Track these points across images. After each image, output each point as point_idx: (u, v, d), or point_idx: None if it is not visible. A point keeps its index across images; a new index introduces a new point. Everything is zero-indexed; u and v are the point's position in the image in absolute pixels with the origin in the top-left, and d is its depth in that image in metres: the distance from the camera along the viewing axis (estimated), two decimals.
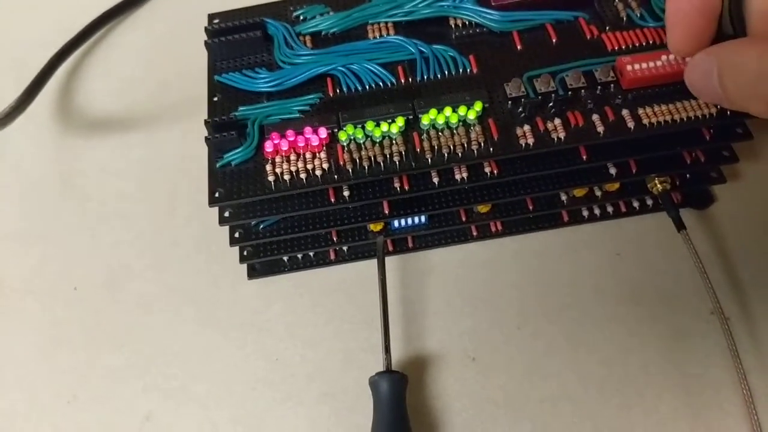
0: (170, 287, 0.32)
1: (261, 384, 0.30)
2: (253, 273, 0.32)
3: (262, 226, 0.30)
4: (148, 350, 0.31)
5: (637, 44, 0.29)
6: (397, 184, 0.28)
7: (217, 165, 0.27)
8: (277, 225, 0.30)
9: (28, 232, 0.35)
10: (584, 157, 0.28)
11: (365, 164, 0.27)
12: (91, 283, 0.33)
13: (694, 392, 0.29)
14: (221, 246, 0.31)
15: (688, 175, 0.31)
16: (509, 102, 0.28)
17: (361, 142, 0.27)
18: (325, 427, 0.29)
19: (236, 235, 0.30)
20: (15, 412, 0.30)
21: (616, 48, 0.29)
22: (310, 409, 0.29)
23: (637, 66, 0.28)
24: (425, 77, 0.29)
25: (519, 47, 0.30)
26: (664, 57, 0.28)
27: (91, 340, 0.31)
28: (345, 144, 0.27)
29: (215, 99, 0.30)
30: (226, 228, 0.30)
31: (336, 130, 0.27)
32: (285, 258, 0.32)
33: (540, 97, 0.28)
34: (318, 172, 0.27)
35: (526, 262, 0.32)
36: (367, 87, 0.29)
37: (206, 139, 0.27)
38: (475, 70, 0.29)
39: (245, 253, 0.31)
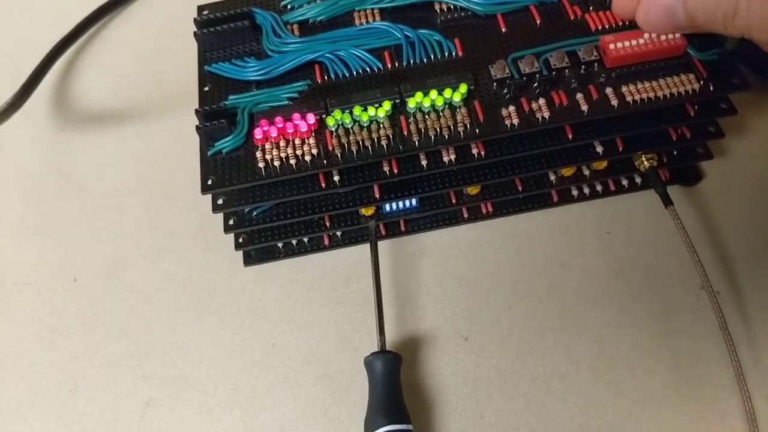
0: (168, 276, 0.33)
1: (258, 368, 0.30)
2: (248, 260, 0.33)
3: (255, 213, 0.30)
4: (147, 338, 0.31)
5: (620, 23, 0.29)
6: (386, 168, 0.28)
7: (209, 153, 0.28)
8: (270, 211, 0.30)
9: (27, 226, 0.35)
10: (570, 136, 0.28)
11: (354, 149, 0.27)
12: (90, 274, 0.33)
13: (684, 366, 0.29)
14: (217, 234, 0.31)
15: (675, 152, 0.32)
16: (494, 83, 0.28)
17: (349, 126, 0.28)
18: (321, 408, 0.29)
19: (230, 222, 0.30)
20: (18, 401, 0.30)
21: (600, 27, 0.29)
22: (307, 390, 0.30)
23: (619, 44, 0.28)
24: (411, 62, 0.29)
25: (503, 29, 0.30)
26: (646, 35, 0.28)
27: (91, 329, 0.32)
28: (333, 129, 0.28)
29: (206, 89, 0.30)
30: (222, 216, 0.31)
31: (324, 115, 0.28)
32: (280, 244, 0.32)
33: (524, 78, 0.28)
34: (307, 158, 0.27)
35: (517, 242, 0.33)
36: (355, 73, 0.29)
37: (197, 128, 0.28)
38: (460, 54, 0.29)
39: (240, 240, 0.32)
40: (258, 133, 0.27)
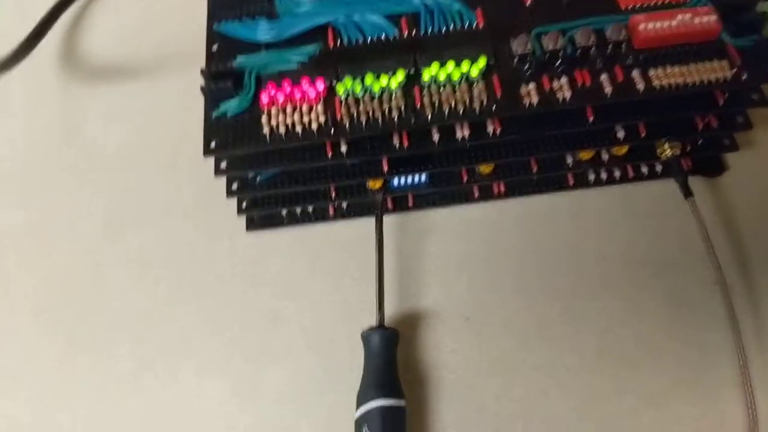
0: (169, 237, 0.32)
1: (256, 335, 0.30)
2: (251, 225, 0.32)
3: (259, 179, 0.29)
4: (144, 301, 0.31)
5: (652, 3, 0.28)
6: (396, 141, 0.27)
7: (213, 115, 0.27)
8: (274, 178, 0.29)
9: (30, 180, 0.35)
10: (590, 119, 0.27)
11: (363, 119, 0.26)
12: (92, 233, 0.33)
13: (690, 363, 0.28)
14: (222, 197, 0.30)
15: (699, 142, 0.30)
16: (515, 59, 0.27)
17: (360, 96, 0.27)
18: (317, 380, 0.29)
19: (233, 186, 0.29)
20: (11, 364, 0.30)
21: (630, 6, 0.28)
22: (303, 361, 0.29)
23: (650, 25, 0.26)
24: (429, 31, 0.28)
25: (528, 2, 0.28)
26: (679, 17, 0.26)
27: (89, 290, 0.31)
28: (343, 97, 0.27)
29: (214, 48, 0.29)
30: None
31: (334, 82, 0.27)
32: (284, 212, 0.32)
33: (547, 55, 0.27)
34: (314, 126, 0.26)
35: (528, 225, 0.32)
36: (369, 40, 0.28)
37: (202, 88, 0.27)
38: (481, 25, 0.28)
39: (243, 205, 0.31)
40: (264, 97, 0.26)
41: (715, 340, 0.28)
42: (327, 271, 0.31)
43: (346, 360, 0.29)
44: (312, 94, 0.26)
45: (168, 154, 0.35)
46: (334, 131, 0.26)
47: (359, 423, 0.26)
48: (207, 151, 0.26)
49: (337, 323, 0.30)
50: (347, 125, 0.26)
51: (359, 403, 0.26)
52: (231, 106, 0.27)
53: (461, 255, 0.31)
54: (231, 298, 0.31)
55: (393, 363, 0.28)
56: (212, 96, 0.27)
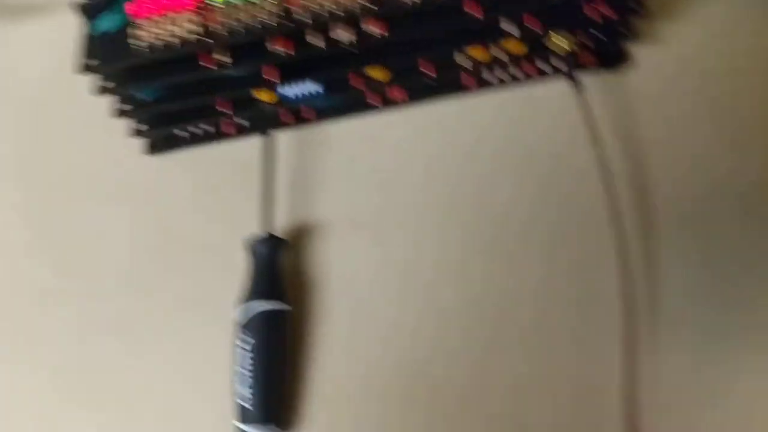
0: (72, 161, 0.32)
1: (152, 251, 0.30)
2: (153, 148, 0.32)
3: (145, 96, 0.29)
4: (46, 225, 0.31)
5: None
6: (279, 47, 0.27)
7: (90, 32, 0.26)
8: (161, 95, 0.29)
9: None
10: (475, 13, 0.27)
11: (241, 26, 0.26)
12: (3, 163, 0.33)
13: (573, 250, 0.29)
14: (121, 122, 0.30)
15: (595, 33, 0.30)
16: None
17: (236, 2, 0.26)
18: (204, 286, 0.29)
19: (120, 105, 0.29)
20: None
21: None
22: (193, 270, 0.30)
23: None
24: None
25: None
26: None
27: None
28: (219, 5, 0.26)
29: None
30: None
31: None
32: (184, 133, 0.31)
33: None
34: (192, 36, 0.26)
35: (428, 133, 0.31)
36: None
37: (78, 5, 0.26)
38: None
39: (136, 126, 0.30)
40: (139, 10, 0.26)
41: (599, 241, 0.28)
42: (223, 187, 0.31)
43: (235, 268, 0.29)
44: (187, 3, 0.26)
45: (71, 84, 0.34)
46: (213, 40, 0.26)
47: (241, 325, 0.27)
48: (85, 68, 0.26)
49: (228, 235, 0.30)
50: (226, 33, 0.26)
51: (239, 303, 0.27)
52: (105, 22, 0.26)
53: (359, 167, 0.31)
54: (127, 217, 0.31)
55: (276, 271, 0.28)
56: (88, 12, 0.26)
